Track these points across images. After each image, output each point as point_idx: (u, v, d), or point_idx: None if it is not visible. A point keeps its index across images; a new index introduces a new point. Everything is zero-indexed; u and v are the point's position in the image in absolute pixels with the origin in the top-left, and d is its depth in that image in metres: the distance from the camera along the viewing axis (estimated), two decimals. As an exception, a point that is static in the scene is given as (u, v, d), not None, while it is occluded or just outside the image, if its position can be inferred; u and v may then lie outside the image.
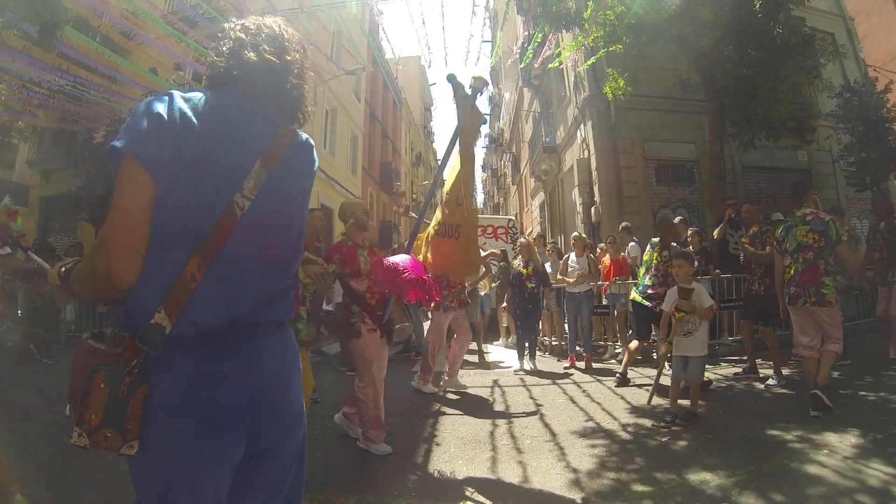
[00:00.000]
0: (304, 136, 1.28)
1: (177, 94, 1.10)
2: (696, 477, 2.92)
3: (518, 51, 13.44)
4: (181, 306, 1.01)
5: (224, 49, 1.19)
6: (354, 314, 3.50)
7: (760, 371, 5.40)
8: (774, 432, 3.60)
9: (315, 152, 1.31)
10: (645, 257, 5.44)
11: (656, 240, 5.33)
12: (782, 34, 7.69)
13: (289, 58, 1.22)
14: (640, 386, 5.28)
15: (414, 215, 6.04)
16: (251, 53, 1.17)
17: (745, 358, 5.86)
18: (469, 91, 3.57)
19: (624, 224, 8.33)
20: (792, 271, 4.20)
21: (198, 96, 1.12)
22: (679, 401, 4.08)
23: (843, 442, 3.31)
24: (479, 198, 49.06)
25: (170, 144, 1.02)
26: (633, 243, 7.68)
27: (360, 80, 19.48)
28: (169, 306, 1.00)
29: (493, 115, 36.52)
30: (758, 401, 4.56)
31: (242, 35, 1.20)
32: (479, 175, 46.41)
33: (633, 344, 5.43)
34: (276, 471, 1.20)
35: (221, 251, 1.05)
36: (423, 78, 36.49)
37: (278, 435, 1.18)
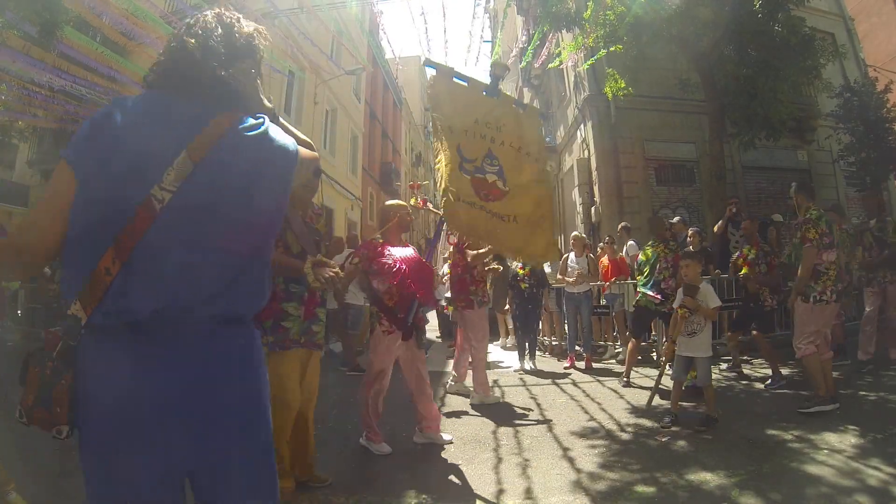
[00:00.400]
0: (256, 124, 1.18)
1: (117, 98, 1.17)
2: (697, 477, 2.92)
3: (518, 51, 13.43)
4: (96, 299, 1.02)
5: (164, 48, 1.22)
6: (374, 314, 3.64)
7: (758, 372, 5.41)
8: (774, 432, 3.60)
9: (271, 140, 1.18)
10: (642, 257, 5.40)
11: (651, 244, 5.38)
12: (782, 34, 7.69)
13: (218, 43, 1.17)
14: (641, 387, 5.28)
15: (432, 208, 5.93)
16: (177, 44, 1.18)
17: (745, 358, 5.88)
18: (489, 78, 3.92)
19: (623, 224, 8.32)
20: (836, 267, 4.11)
21: (133, 97, 1.17)
22: (680, 402, 4.08)
23: (843, 442, 3.31)
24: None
25: (94, 146, 1.08)
26: (631, 242, 7.69)
27: (360, 81, 19.48)
28: (84, 298, 1.03)
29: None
30: (758, 401, 4.56)
31: (180, 30, 1.20)
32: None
33: (631, 344, 5.42)
34: (228, 485, 1.14)
35: (140, 244, 1.03)
36: (423, 78, 36.48)
37: (215, 441, 1.10)
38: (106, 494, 1.06)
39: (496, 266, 5.43)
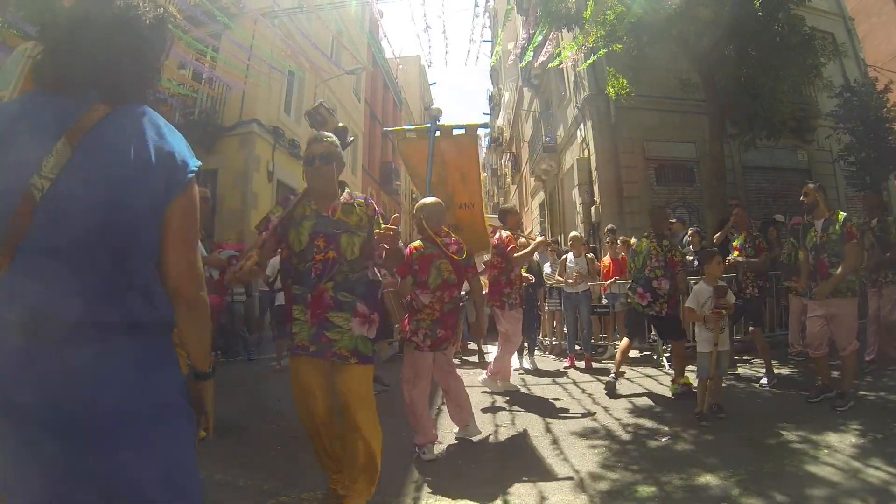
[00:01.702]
0: (140, 112, 1.11)
1: None
2: (697, 476, 2.91)
3: (518, 50, 13.43)
4: None
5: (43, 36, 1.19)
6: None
7: (759, 372, 5.40)
8: (774, 432, 3.60)
9: (156, 131, 1.10)
10: (638, 248, 5.22)
11: (646, 235, 5.27)
12: (783, 33, 7.69)
13: (110, 27, 1.09)
14: (641, 387, 5.28)
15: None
16: (63, 28, 1.11)
17: (745, 357, 5.88)
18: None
19: (609, 226, 8.43)
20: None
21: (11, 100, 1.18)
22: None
23: (844, 441, 3.31)
24: (479, 197, 48.92)
25: None
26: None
27: (360, 80, 19.49)
28: None
29: (493, 115, 36.51)
30: (758, 401, 4.56)
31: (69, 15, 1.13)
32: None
33: (624, 342, 5.19)
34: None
35: (24, 240, 0.96)
36: (423, 78, 36.47)
37: (77, 454, 0.99)
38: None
39: (528, 276, 5.77)
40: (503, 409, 4.68)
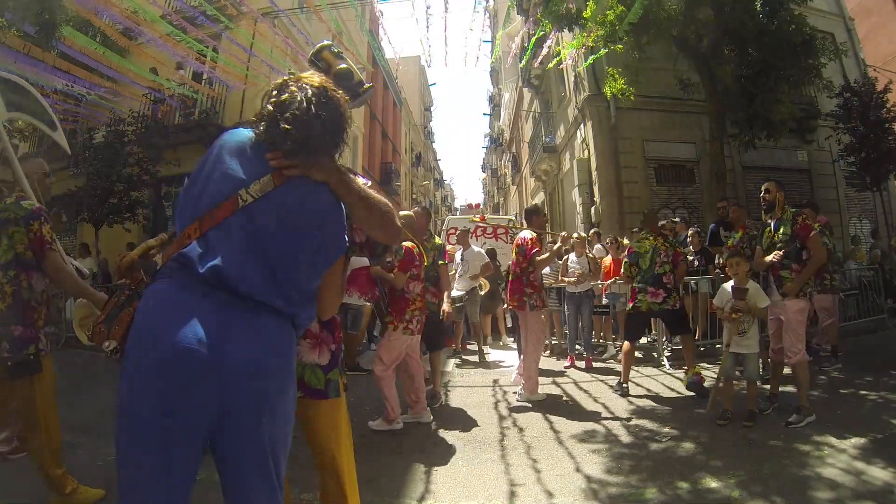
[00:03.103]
0: (317, 183, 1.44)
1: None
2: (698, 478, 2.91)
3: (518, 50, 13.44)
4: (174, 252, 1.33)
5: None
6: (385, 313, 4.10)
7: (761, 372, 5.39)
8: (775, 432, 3.60)
9: (318, 196, 1.43)
10: (640, 249, 5.16)
11: (644, 236, 5.26)
12: (784, 33, 7.69)
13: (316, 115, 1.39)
14: (638, 395, 5.27)
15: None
16: (291, 99, 1.41)
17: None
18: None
19: (594, 230, 8.49)
20: None
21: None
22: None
23: (844, 442, 3.31)
24: (480, 197, 49.10)
25: (207, 158, 1.46)
26: (598, 245, 7.95)
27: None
28: (167, 252, 1.39)
29: (493, 115, 36.54)
30: (758, 401, 4.55)
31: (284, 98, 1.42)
32: (478, 175, 46.51)
33: (626, 346, 5.14)
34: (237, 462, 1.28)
35: (219, 225, 1.31)
36: (423, 78, 36.50)
37: (230, 410, 1.23)
38: (129, 433, 1.18)
39: (551, 281, 5.98)
40: (503, 409, 4.67)
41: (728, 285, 4.12)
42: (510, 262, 5.52)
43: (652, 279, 4.98)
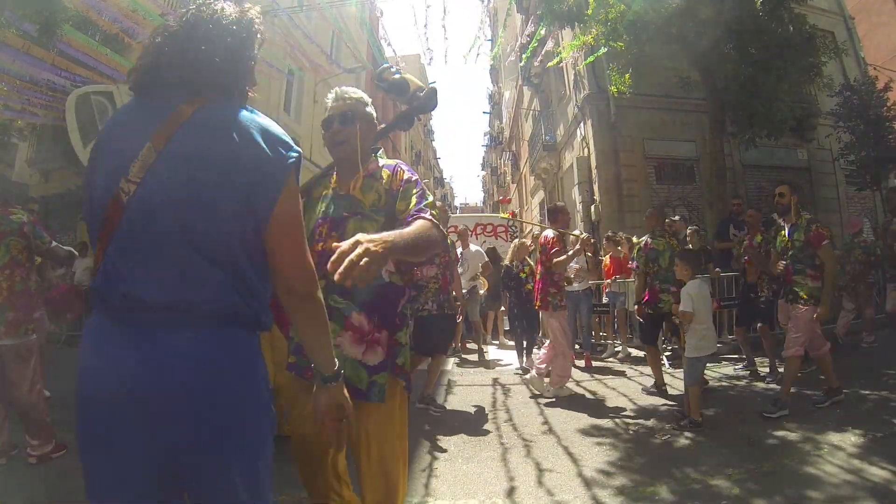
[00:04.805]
0: (226, 107, 1.11)
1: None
2: (697, 475, 2.92)
3: (518, 49, 13.42)
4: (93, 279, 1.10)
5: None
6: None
7: (764, 371, 5.40)
8: (775, 431, 3.61)
9: (240, 128, 1.08)
10: (659, 246, 5.10)
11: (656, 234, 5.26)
12: (784, 32, 7.68)
13: (194, 24, 1.12)
14: (642, 386, 5.28)
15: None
16: (155, 38, 1.15)
17: (744, 357, 5.88)
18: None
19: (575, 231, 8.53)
20: None
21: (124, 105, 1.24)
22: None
23: (844, 440, 3.31)
24: (479, 196, 49.10)
25: (91, 155, 1.15)
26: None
27: (359, 79, 19.45)
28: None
29: (492, 114, 36.50)
30: (758, 399, 4.56)
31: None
32: (478, 173, 46.55)
33: (652, 351, 5.13)
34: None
35: (113, 237, 1.04)
36: (423, 77, 36.41)
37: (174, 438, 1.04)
38: (94, 475, 1.05)
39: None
40: (503, 407, 4.68)
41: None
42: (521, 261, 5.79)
43: (672, 279, 4.94)
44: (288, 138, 1.13)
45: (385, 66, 2.00)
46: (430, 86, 1.93)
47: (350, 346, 1.71)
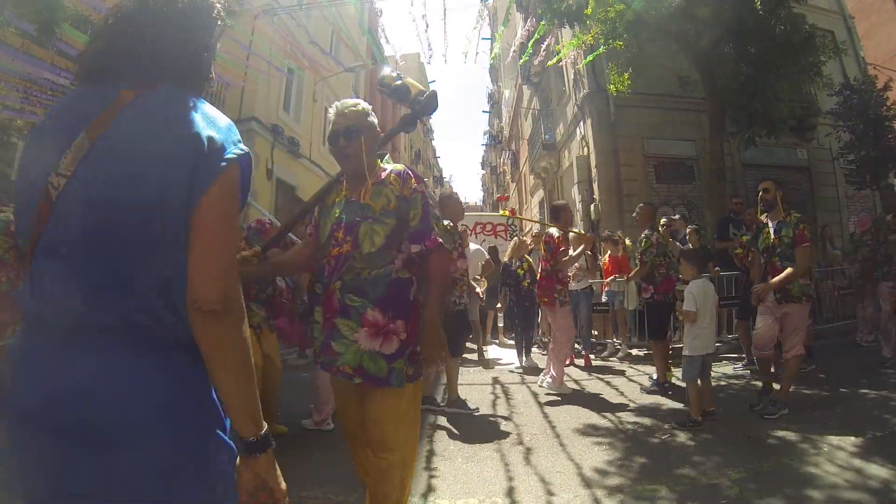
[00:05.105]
0: (166, 94, 0.99)
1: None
2: (697, 474, 2.92)
3: (518, 48, 13.42)
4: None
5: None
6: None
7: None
8: (775, 430, 3.61)
9: (174, 115, 0.96)
10: (664, 240, 5.28)
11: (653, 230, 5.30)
12: (784, 31, 7.68)
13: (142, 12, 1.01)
14: (642, 385, 5.28)
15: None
16: (108, 19, 1.06)
17: (743, 356, 5.88)
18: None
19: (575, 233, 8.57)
20: None
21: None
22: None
23: (844, 440, 3.31)
24: (479, 195, 49.09)
25: (23, 155, 1.07)
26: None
27: (359, 78, 19.44)
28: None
29: (492, 113, 36.50)
30: (752, 396, 4.56)
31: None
32: (478, 172, 46.58)
33: (662, 347, 5.11)
34: None
35: (40, 238, 0.92)
36: (422, 76, 36.39)
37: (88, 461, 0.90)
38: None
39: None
40: (503, 406, 4.68)
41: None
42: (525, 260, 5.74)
43: (674, 271, 5.02)
44: (233, 133, 1.02)
45: (386, 72, 2.13)
46: (431, 89, 2.03)
47: (367, 341, 1.86)
